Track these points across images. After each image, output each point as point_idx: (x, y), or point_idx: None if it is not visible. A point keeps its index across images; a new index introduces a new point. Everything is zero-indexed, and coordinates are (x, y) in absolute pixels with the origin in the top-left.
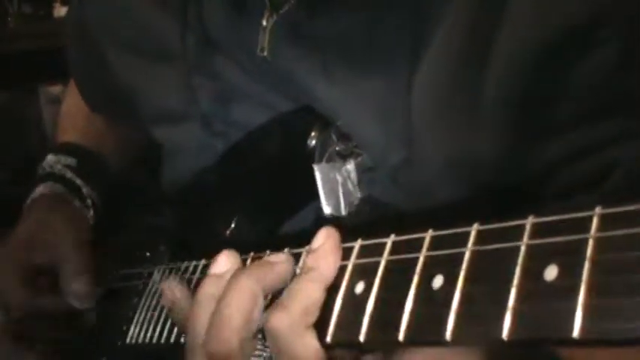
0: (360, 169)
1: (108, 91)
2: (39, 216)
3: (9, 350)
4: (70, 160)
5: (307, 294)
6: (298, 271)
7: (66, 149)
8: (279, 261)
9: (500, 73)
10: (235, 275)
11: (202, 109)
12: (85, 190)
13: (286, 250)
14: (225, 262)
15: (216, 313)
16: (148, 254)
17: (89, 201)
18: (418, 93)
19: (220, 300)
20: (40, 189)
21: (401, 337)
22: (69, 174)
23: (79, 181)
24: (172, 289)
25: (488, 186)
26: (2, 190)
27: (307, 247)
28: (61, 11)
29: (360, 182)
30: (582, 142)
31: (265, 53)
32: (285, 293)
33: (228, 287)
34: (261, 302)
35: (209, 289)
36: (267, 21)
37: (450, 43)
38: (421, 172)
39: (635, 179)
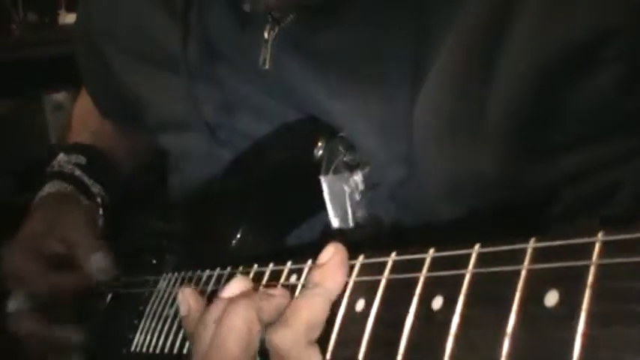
0: (368, 181)
1: (117, 98)
2: (49, 210)
3: (39, 332)
4: (80, 159)
5: (312, 309)
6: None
7: (76, 148)
8: (276, 294)
9: (503, 91)
10: (233, 300)
11: (206, 117)
12: (93, 188)
13: (280, 284)
14: (235, 287)
15: (214, 336)
16: (153, 261)
17: (98, 199)
18: (420, 110)
19: (218, 323)
20: (48, 187)
21: (399, 357)
22: (77, 172)
23: (87, 180)
24: (187, 299)
25: (490, 205)
26: (7, 196)
27: (310, 262)
28: (65, 19)
29: (361, 200)
30: (585, 163)
31: (267, 66)
32: (289, 309)
33: (226, 311)
34: (256, 329)
35: (215, 311)
36: (269, 34)
37: (453, 60)
38: (421, 189)
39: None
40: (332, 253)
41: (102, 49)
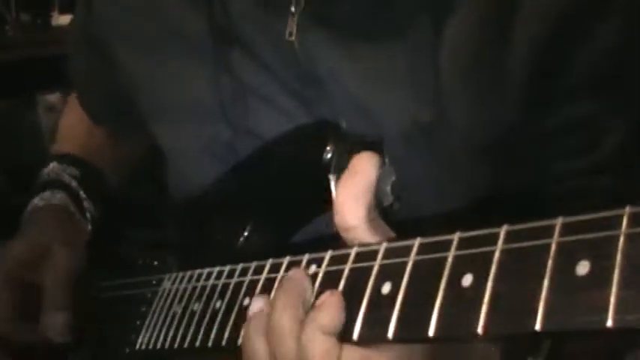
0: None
1: (112, 98)
2: (40, 229)
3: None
4: (74, 171)
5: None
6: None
7: (70, 160)
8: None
9: (523, 38)
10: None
11: (218, 108)
12: (86, 203)
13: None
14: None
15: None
16: (155, 263)
17: (88, 215)
18: (445, 56)
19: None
20: (47, 195)
21: (431, 332)
22: (74, 183)
23: (82, 194)
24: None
25: (502, 149)
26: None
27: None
28: (59, 20)
29: (391, 185)
30: (579, 113)
31: (293, 38)
32: None
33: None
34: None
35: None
36: (295, 7)
37: (475, 10)
38: (448, 132)
39: (623, 147)
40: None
41: (104, 41)
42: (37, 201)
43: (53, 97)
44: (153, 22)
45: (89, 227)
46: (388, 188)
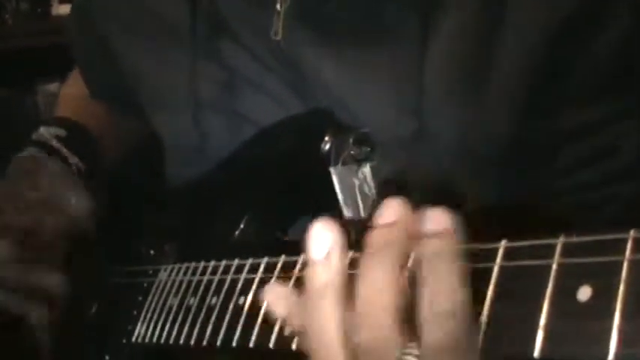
0: (376, 172)
1: (111, 79)
2: (21, 166)
3: (15, 270)
4: (60, 131)
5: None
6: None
7: (57, 121)
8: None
9: (513, 47)
10: (366, 256)
11: (205, 97)
12: (71, 159)
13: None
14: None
15: (358, 298)
16: (152, 252)
17: (74, 168)
18: (431, 65)
19: (359, 282)
20: (22, 154)
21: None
22: (55, 142)
23: (65, 151)
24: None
25: (497, 161)
26: None
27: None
28: (59, 9)
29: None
30: (587, 119)
31: (279, 36)
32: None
33: (364, 266)
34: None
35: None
36: (281, 5)
37: (463, 16)
38: (432, 144)
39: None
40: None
41: (100, 26)
42: (13, 160)
43: (53, 87)
44: (141, 11)
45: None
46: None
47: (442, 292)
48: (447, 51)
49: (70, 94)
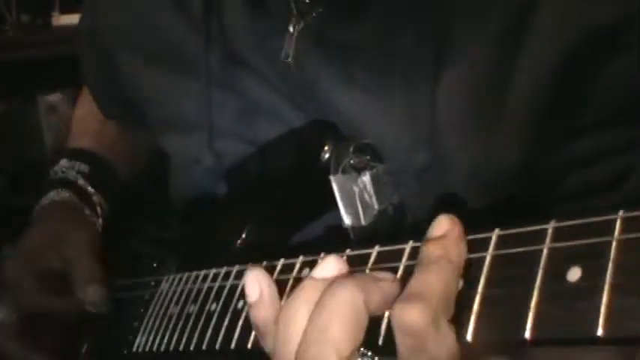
0: (376, 181)
1: (120, 97)
2: (51, 222)
3: (16, 350)
4: (83, 167)
5: (446, 283)
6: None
7: (79, 155)
8: (386, 279)
9: (527, 76)
10: (338, 282)
11: (219, 124)
12: (95, 198)
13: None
14: (331, 267)
15: (312, 321)
16: (154, 265)
17: (98, 209)
18: (444, 94)
19: (317, 306)
20: (52, 195)
21: None
22: (81, 181)
23: (90, 189)
24: (259, 281)
25: (505, 187)
26: (1, 198)
27: (323, 254)
28: (59, 20)
29: (386, 186)
30: (599, 146)
31: (290, 59)
32: (415, 284)
33: (328, 292)
34: (363, 319)
35: (309, 292)
36: (294, 28)
37: (476, 47)
38: (445, 174)
39: None
40: (450, 225)
41: (108, 47)
42: (44, 200)
43: (54, 98)
44: (154, 36)
45: (100, 220)
46: (387, 190)
47: None
48: (460, 81)
49: (82, 115)
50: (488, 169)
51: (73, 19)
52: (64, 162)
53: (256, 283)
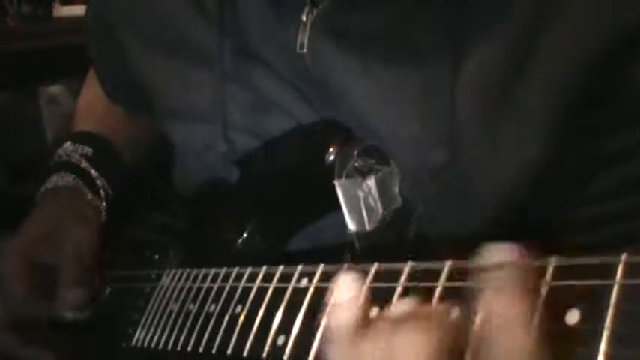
0: (381, 186)
1: (127, 83)
2: (51, 212)
3: (6, 343)
4: (87, 150)
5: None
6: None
7: (83, 138)
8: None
9: (550, 71)
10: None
11: (230, 118)
12: (99, 181)
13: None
14: (348, 290)
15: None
16: (156, 257)
17: (102, 192)
18: (462, 87)
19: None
20: (55, 179)
21: None
22: (84, 164)
23: (93, 172)
24: (353, 286)
25: (524, 187)
26: (1, 190)
27: (322, 266)
28: (60, 11)
29: (393, 189)
30: (624, 146)
31: (305, 50)
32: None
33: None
34: None
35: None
36: (307, 17)
37: (497, 38)
38: (463, 174)
39: None
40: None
41: (117, 34)
42: (47, 184)
43: (55, 89)
44: (165, 26)
45: (103, 204)
46: (396, 190)
47: None
48: (479, 73)
49: (88, 100)
50: (510, 168)
51: (73, 10)
52: (67, 145)
53: (349, 287)
